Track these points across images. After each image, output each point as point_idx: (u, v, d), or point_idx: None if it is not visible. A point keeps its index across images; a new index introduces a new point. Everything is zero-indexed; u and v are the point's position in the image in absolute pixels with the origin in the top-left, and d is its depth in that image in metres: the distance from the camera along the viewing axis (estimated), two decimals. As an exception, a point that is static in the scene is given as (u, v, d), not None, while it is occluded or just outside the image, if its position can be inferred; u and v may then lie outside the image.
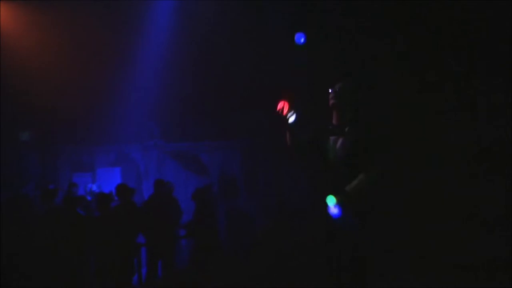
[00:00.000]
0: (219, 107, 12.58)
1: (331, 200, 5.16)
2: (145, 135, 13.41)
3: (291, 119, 5.36)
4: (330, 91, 5.59)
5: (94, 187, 11.60)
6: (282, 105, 5.39)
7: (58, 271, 8.66)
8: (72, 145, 13.37)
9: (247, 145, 12.91)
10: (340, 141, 5.49)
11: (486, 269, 7.66)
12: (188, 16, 11.96)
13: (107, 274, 8.91)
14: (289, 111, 5.35)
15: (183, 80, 12.57)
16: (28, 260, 8.60)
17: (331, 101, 5.54)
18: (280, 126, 5.47)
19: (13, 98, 12.02)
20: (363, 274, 5.29)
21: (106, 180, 12.53)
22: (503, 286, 7.11)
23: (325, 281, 5.35)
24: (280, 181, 12.18)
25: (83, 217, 9.58)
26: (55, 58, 12.25)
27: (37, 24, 12.12)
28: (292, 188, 11.55)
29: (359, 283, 5.27)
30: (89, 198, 11.08)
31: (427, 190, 9.25)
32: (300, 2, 11.06)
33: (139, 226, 9.59)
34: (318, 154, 5.59)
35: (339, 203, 5.14)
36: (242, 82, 11.82)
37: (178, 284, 9.65)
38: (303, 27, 10.88)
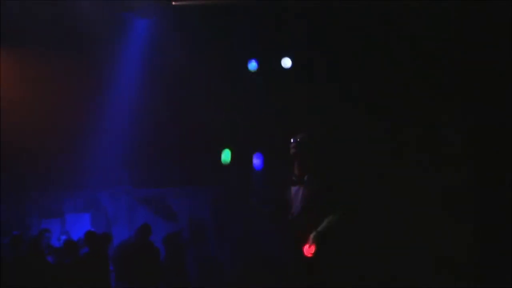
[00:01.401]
0: (189, 152, 12.58)
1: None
2: (114, 180, 13.33)
3: None
4: (292, 140, 5.69)
5: (65, 236, 11.48)
6: None
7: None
8: (40, 190, 13.22)
9: (218, 191, 12.90)
10: (301, 191, 5.57)
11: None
12: (157, 62, 12.03)
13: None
14: None
15: (153, 125, 12.58)
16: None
17: (292, 150, 5.66)
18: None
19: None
20: None
21: (76, 226, 12.42)
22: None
23: None
24: (251, 226, 12.19)
25: (52, 265, 9.49)
26: (21, 103, 12.19)
27: (8, 70, 12.08)
28: (263, 234, 11.56)
29: None
30: (57, 245, 10.95)
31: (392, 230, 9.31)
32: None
33: (109, 274, 9.52)
34: (281, 206, 5.70)
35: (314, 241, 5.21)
36: (214, 128, 11.86)
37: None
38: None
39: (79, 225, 12.38)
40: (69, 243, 9.98)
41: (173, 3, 10.87)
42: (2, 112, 11.98)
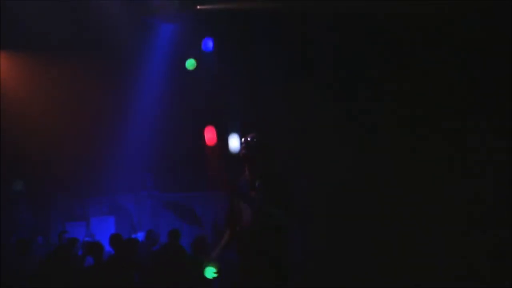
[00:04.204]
0: (213, 157, 12.59)
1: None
2: (138, 185, 13.38)
3: None
4: (241, 141, 5.23)
5: (89, 239, 11.49)
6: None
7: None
8: (65, 195, 13.29)
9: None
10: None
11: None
12: (182, 66, 12.07)
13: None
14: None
15: (178, 130, 12.62)
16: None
17: (242, 152, 5.15)
18: None
19: (6, 148, 12.00)
20: None
21: (100, 229, 12.45)
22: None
23: None
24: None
25: (76, 267, 9.49)
26: (49, 109, 12.29)
27: (33, 75, 12.19)
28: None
29: None
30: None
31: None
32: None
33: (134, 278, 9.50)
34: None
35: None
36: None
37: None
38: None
39: (103, 229, 12.41)
40: (94, 245, 9.97)
41: (198, 7, 10.92)
42: (27, 118, 12.10)
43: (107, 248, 9.73)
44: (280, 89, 10.89)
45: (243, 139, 5.20)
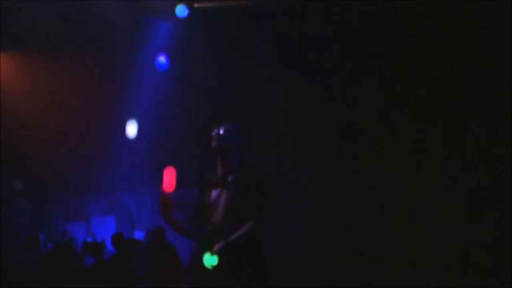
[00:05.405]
0: (211, 151, 12.57)
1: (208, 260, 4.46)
2: (137, 181, 13.40)
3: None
4: (213, 133, 4.83)
5: (90, 238, 11.54)
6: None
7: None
8: (64, 193, 13.32)
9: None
10: (223, 194, 4.77)
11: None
12: (179, 64, 12.07)
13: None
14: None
15: (177, 126, 12.63)
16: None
17: (214, 144, 4.79)
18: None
19: (5, 146, 12.02)
20: None
21: (101, 228, 12.48)
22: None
23: None
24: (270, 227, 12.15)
25: (77, 267, 9.53)
26: (47, 107, 12.29)
27: (29, 72, 12.18)
28: (282, 235, 11.53)
29: None
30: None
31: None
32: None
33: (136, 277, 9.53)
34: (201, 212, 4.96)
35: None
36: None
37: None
38: None
39: (104, 227, 12.44)
40: (94, 246, 10.00)
41: (195, 5, 10.91)
42: (27, 116, 12.11)
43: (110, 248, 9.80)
44: (279, 87, 10.90)
45: (215, 130, 4.80)
